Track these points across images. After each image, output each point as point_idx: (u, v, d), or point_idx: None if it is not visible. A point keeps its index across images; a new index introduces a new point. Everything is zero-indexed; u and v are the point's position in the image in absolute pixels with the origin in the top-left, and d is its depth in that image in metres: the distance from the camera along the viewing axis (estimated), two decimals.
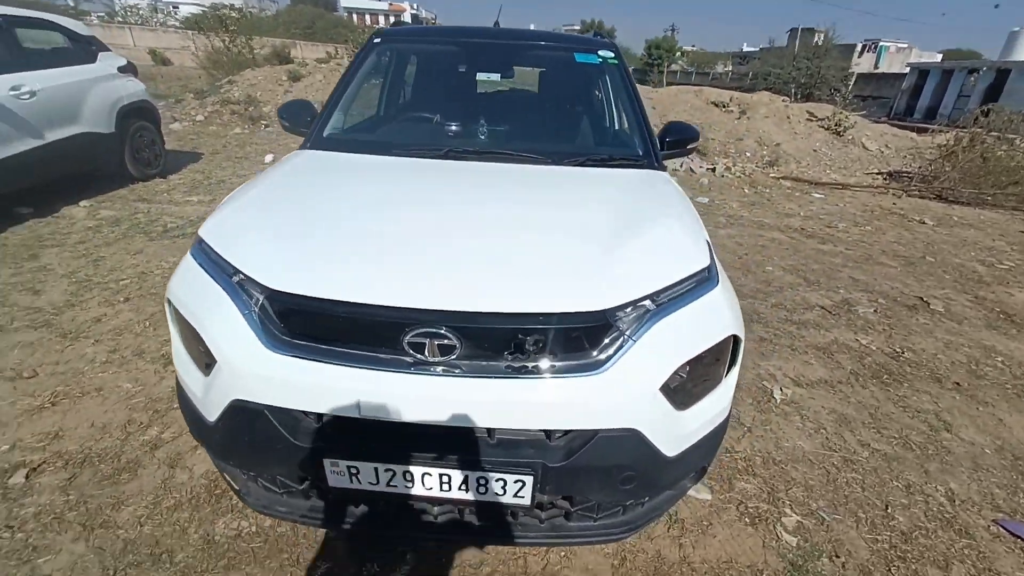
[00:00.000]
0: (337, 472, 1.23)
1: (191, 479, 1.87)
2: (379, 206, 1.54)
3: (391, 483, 1.24)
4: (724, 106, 11.15)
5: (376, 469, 1.22)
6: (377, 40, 2.47)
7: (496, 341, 1.17)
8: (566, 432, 1.22)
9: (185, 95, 11.73)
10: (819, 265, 4.48)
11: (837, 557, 1.72)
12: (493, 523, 1.36)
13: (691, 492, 1.91)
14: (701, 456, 1.41)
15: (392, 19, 61.53)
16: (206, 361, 1.28)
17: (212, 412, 1.28)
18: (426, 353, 1.16)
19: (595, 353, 1.19)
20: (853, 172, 9.08)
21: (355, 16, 60.81)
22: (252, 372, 1.21)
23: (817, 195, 7.45)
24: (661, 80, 32.54)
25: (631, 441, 1.22)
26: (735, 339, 1.41)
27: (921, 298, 3.88)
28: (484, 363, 1.18)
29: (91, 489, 1.81)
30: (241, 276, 1.26)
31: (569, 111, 2.46)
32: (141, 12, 41.47)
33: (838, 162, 9.67)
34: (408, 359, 1.17)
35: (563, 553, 1.68)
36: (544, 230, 1.44)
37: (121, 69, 5.49)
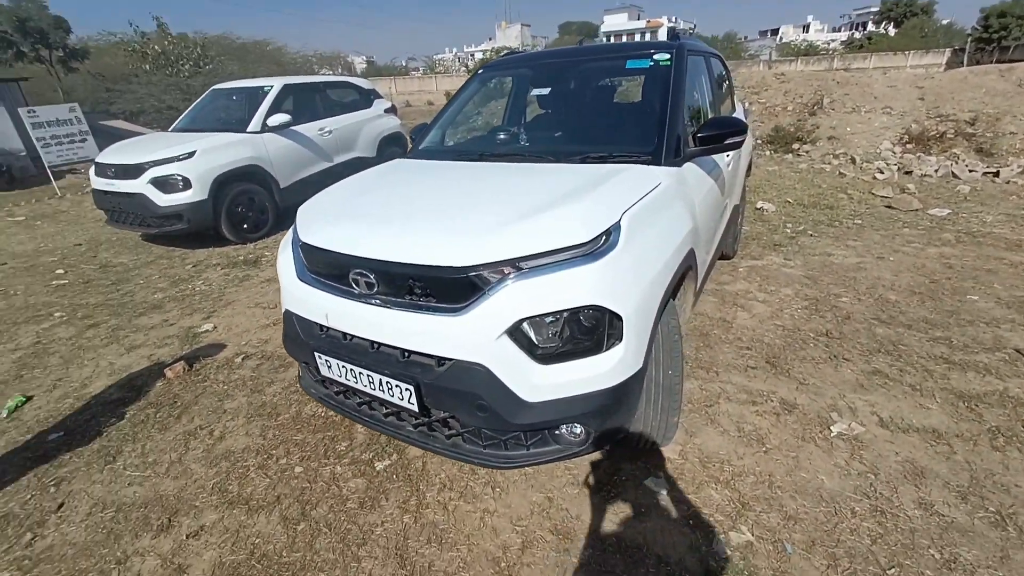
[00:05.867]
0: (323, 363, 1.90)
1: None
2: (395, 193, 2.15)
3: (347, 377, 1.84)
4: None
5: (340, 364, 1.83)
6: (480, 71, 3.12)
7: (395, 282, 1.65)
8: (439, 358, 1.60)
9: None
10: None
11: None
12: (413, 428, 1.82)
13: (648, 483, 1.95)
14: (572, 414, 1.57)
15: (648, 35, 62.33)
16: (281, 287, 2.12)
17: (282, 317, 2.11)
18: (359, 287, 1.72)
19: (457, 299, 1.55)
20: None
21: (612, 38, 63.96)
22: (290, 292, 1.98)
23: None
24: (961, 59, 24.88)
25: (481, 374, 1.52)
26: (613, 316, 1.51)
27: None
28: (391, 298, 1.67)
29: (264, 372, 2.95)
30: (296, 234, 2.05)
31: (602, 115, 2.60)
32: (445, 63, 52.99)
33: None
34: (353, 290, 1.75)
35: (496, 489, 1.98)
36: (475, 208, 1.79)
37: (386, 111, 7.59)
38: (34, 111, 8.05)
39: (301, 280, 1.94)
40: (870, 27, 52.05)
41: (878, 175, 6.77)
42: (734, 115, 3.56)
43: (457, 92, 3.10)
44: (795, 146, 8.26)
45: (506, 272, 1.52)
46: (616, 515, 1.84)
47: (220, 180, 5.12)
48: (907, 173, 6.85)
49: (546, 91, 2.83)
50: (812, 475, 1.95)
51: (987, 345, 2.75)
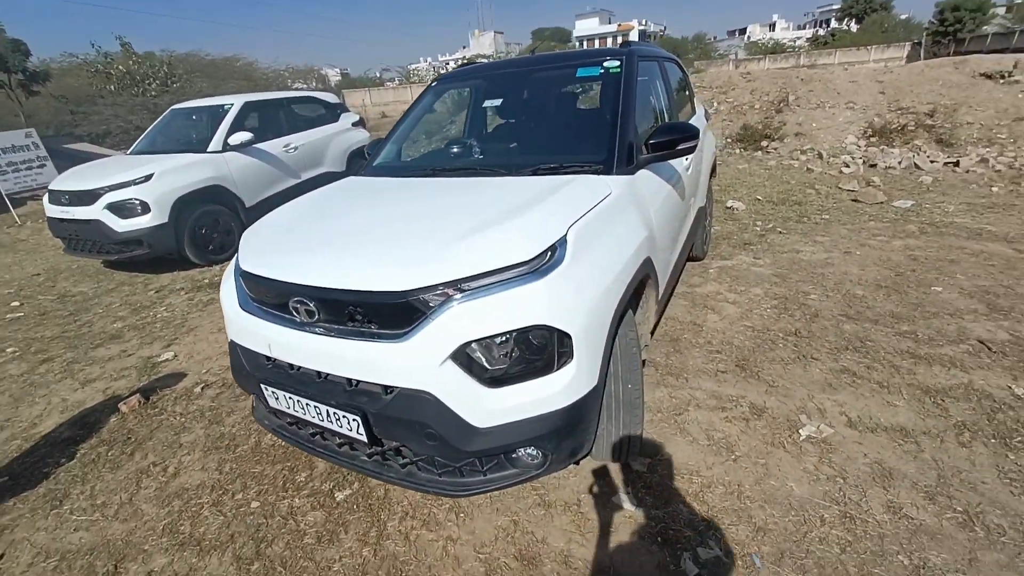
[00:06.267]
0: (270, 395, 1.81)
1: None
2: (338, 215, 2.07)
3: (295, 409, 1.75)
4: (1003, 76, 8.36)
5: (286, 396, 1.75)
6: (434, 83, 3.07)
7: (336, 309, 1.58)
8: (385, 387, 1.53)
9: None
10: None
11: None
12: (367, 458, 1.74)
13: (616, 500, 1.90)
14: (526, 437, 1.51)
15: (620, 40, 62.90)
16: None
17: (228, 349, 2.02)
18: (300, 315, 1.64)
19: (400, 324, 1.48)
20: None
21: (585, 43, 64.53)
22: (233, 322, 1.89)
23: None
24: (919, 53, 25.99)
25: (428, 402, 1.46)
26: (562, 334, 1.46)
27: None
28: (333, 325, 1.59)
29: (223, 402, 2.84)
30: (237, 262, 1.96)
31: (553, 126, 2.57)
32: (419, 73, 52.97)
33: None
34: (295, 319, 1.67)
35: (460, 515, 1.92)
36: (418, 229, 1.72)
37: (354, 124, 7.50)
38: None
39: (244, 309, 1.85)
40: (833, 24, 53.47)
41: (844, 169, 6.88)
42: (693, 119, 3.57)
43: (411, 105, 3.04)
44: (764, 144, 8.37)
45: (449, 295, 1.46)
46: (583, 536, 1.78)
47: (181, 202, 4.97)
48: (872, 166, 6.98)
49: (498, 102, 2.79)
50: (781, 482, 1.92)
51: (951, 337, 2.77)
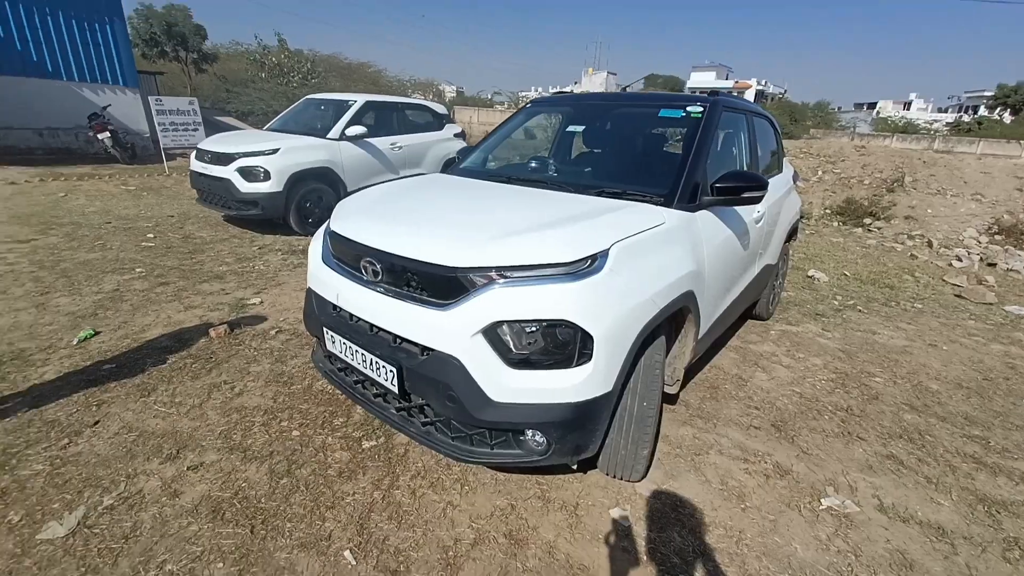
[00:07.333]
0: (329, 338, 2.08)
1: None
2: (419, 199, 2.35)
3: (346, 353, 2.01)
4: None
5: (342, 340, 2.01)
6: (528, 105, 3.35)
7: (396, 273, 1.81)
8: (423, 347, 1.73)
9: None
10: None
11: None
12: (395, 411, 1.94)
13: (613, 513, 1.95)
14: (534, 420, 1.64)
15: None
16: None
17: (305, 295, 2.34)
18: (367, 274, 1.90)
19: (445, 295, 1.69)
20: None
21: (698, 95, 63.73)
22: (314, 273, 2.21)
23: None
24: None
25: (455, 367, 1.64)
26: (586, 335, 1.59)
27: None
28: (392, 287, 1.83)
29: (290, 347, 3.21)
30: (328, 223, 2.29)
31: (627, 156, 2.69)
32: (528, 100, 55.10)
33: None
34: (363, 276, 1.93)
35: (465, 487, 2.05)
36: (481, 220, 1.94)
37: (455, 134, 8.07)
38: (160, 100, 9.27)
39: (324, 263, 2.16)
40: (982, 111, 48.79)
41: (955, 262, 6.32)
42: (777, 177, 3.54)
43: (504, 122, 3.33)
44: (866, 221, 7.88)
45: (492, 278, 1.64)
46: (572, 535, 1.85)
47: (295, 177, 5.64)
48: (990, 265, 6.34)
49: (580, 128, 3.00)
50: (786, 541, 1.86)
51: None
